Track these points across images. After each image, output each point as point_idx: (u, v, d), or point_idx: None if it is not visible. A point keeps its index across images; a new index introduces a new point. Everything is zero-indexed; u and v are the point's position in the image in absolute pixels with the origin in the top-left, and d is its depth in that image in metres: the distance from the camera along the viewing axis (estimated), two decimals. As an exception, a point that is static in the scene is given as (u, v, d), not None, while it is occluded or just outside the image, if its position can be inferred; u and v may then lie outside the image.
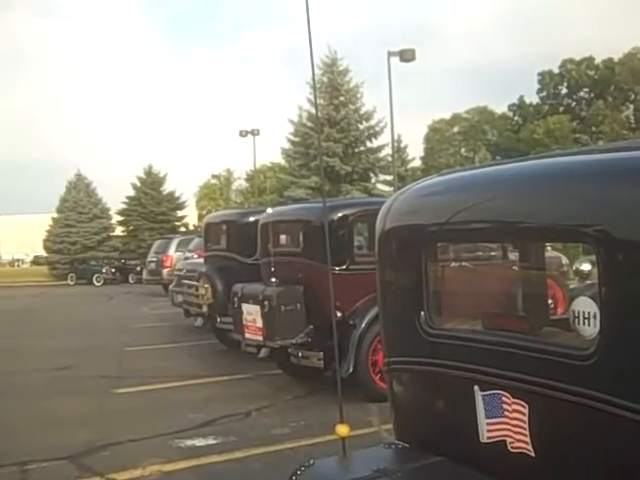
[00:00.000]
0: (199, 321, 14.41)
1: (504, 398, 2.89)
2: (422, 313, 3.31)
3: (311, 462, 3.18)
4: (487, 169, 3.65)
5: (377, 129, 47.36)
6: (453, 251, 3.75)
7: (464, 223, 3.23)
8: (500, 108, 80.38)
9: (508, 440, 2.89)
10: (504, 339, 2.95)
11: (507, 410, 2.88)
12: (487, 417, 2.98)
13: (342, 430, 3.27)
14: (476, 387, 3.01)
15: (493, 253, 4.90)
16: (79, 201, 59.93)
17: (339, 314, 9.34)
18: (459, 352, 3.14)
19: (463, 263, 3.86)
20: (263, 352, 10.29)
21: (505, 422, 2.89)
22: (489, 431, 2.98)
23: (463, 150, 79.62)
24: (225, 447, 7.76)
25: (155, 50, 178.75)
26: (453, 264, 3.77)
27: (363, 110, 47.69)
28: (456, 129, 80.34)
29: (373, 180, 48.53)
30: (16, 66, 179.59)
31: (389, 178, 46.49)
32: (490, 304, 3.60)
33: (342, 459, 3.28)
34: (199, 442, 8.02)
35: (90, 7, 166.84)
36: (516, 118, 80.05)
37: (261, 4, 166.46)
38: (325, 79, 47.06)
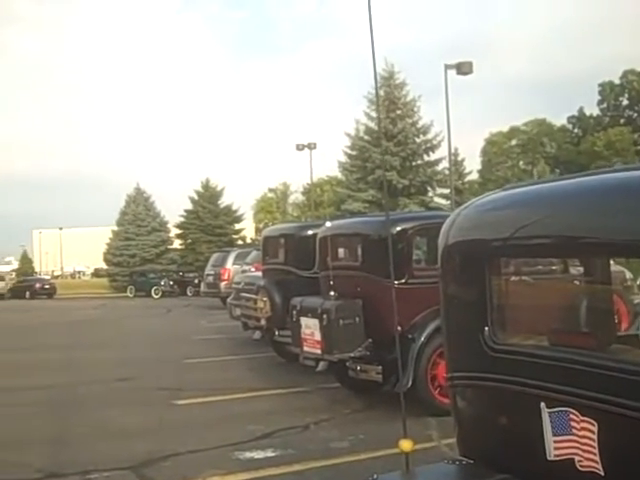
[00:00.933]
0: (257, 334, 14.46)
1: (572, 415, 2.86)
2: (486, 328, 3.29)
3: (375, 477, 3.17)
4: (551, 184, 3.61)
5: (434, 142, 47.21)
6: (516, 266, 3.72)
7: (528, 238, 3.21)
8: (559, 120, 79.41)
9: (576, 458, 2.85)
10: (572, 356, 2.91)
11: (575, 428, 2.85)
12: (554, 434, 2.94)
13: (406, 445, 3.25)
14: (543, 404, 2.97)
15: (554, 267, 4.84)
16: (138, 214, 60.89)
17: (398, 328, 9.30)
18: (524, 368, 3.11)
19: (526, 278, 3.82)
20: (321, 365, 10.29)
21: (573, 440, 2.85)
22: (556, 449, 2.94)
23: (521, 163, 78.73)
24: (284, 460, 7.76)
25: (213, 65, 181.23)
26: (516, 279, 3.74)
27: (420, 123, 47.58)
28: (514, 142, 79.51)
29: (430, 194, 48.33)
30: (76, 80, 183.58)
31: (446, 191, 46.25)
32: (555, 319, 3.55)
33: (405, 474, 3.26)
34: (258, 454, 8.04)
35: (150, 23, 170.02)
36: (576, 130, 78.91)
37: (318, 18, 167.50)
38: (382, 92, 47.02)
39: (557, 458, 2.94)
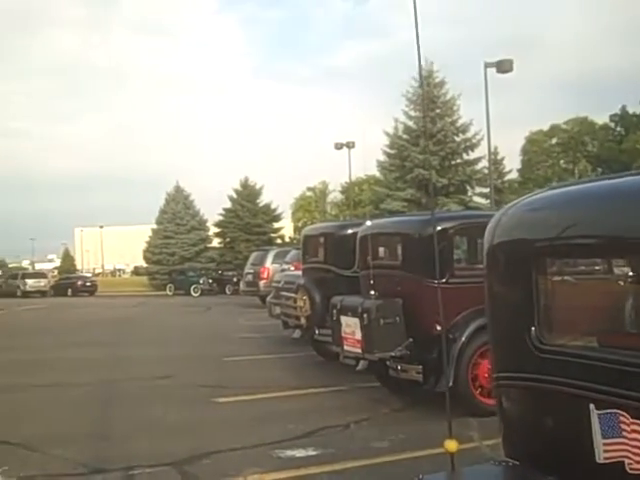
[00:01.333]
0: (297, 333, 14.49)
1: (622, 418, 2.82)
2: (533, 328, 3.26)
3: (420, 477, 3.16)
4: (597, 183, 3.58)
5: (474, 141, 46.80)
6: (563, 266, 3.68)
7: (574, 238, 3.18)
8: (601, 119, 78.39)
9: (627, 461, 2.81)
10: (622, 357, 2.87)
11: (626, 430, 2.81)
12: (604, 437, 2.91)
13: (451, 445, 3.24)
14: (592, 405, 2.94)
15: (598, 267, 4.78)
16: (177, 213, 61.34)
17: (438, 328, 9.26)
18: (572, 369, 3.07)
19: (573, 278, 3.78)
20: (361, 365, 10.28)
21: (624, 442, 2.82)
22: (606, 451, 2.90)
23: (562, 162, 77.95)
24: (324, 459, 7.76)
25: (251, 64, 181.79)
26: (563, 279, 3.70)
27: (460, 122, 47.26)
28: (554, 140, 78.70)
29: (469, 193, 47.95)
30: (116, 81, 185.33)
31: (485, 191, 45.86)
32: (604, 320, 3.51)
33: (451, 475, 3.24)
34: (298, 453, 8.04)
35: (188, 25, 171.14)
36: (618, 129, 77.80)
37: (356, 16, 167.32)
38: (421, 91, 46.82)
39: (606, 461, 2.90)
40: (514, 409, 3.58)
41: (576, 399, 3.02)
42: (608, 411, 2.87)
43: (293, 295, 14.08)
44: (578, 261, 3.69)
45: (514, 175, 60.55)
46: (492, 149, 34.32)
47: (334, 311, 10.42)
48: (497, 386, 3.61)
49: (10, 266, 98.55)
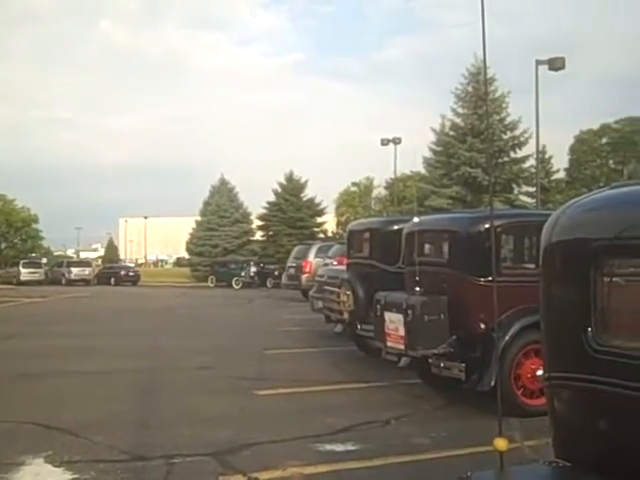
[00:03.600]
0: (339, 327, 14.47)
1: None
2: (589, 329, 3.19)
3: (468, 474, 3.10)
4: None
5: (522, 139, 46.35)
6: (622, 266, 3.59)
7: (635, 238, 3.11)
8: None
9: None
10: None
11: None
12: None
13: (500, 444, 3.17)
14: (649, 408, 2.86)
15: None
16: (222, 205, 61.67)
17: (483, 326, 9.18)
18: (629, 370, 3.00)
19: (632, 278, 3.69)
20: (404, 361, 10.21)
21: None
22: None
23: (611, 162, 76.77)
24: (364, 454, 7.72)
25: (300, 59, 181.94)
26: (621, 280, 3.62)
27: (508, 120, 46.82)
28: (604, 140, 77.55)
29: (515, 191, 47.51)
30: (165, 74, 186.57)
31: (532, 189, 45.40)
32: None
33: (500, 473, 3.18)
34: (338, 447, 8.02)
35: (238, 18, 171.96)
36: (671, 129, 76.41)
37: (406, 12, 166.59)
38: (470, 89, 46.55)
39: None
40: (566, 409, 3.50)
41: (632, 401, 2.94)
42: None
43: (337, 289, 14.06)
44: (637, 261, 3.59)
45: (561, 174, 59.95)
46: (540, 148, 33.94)
47: (378, 307, 10.37)
48: (549, 386, 3.54)
49: (55, 254, 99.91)
